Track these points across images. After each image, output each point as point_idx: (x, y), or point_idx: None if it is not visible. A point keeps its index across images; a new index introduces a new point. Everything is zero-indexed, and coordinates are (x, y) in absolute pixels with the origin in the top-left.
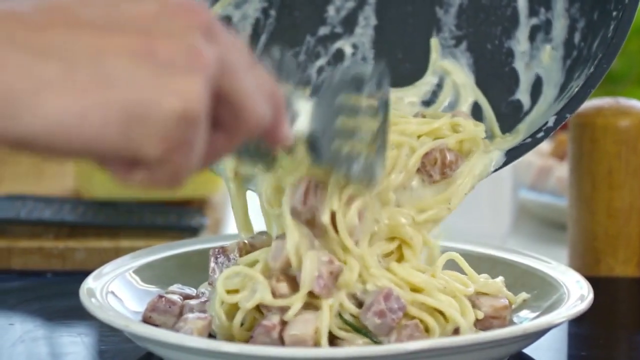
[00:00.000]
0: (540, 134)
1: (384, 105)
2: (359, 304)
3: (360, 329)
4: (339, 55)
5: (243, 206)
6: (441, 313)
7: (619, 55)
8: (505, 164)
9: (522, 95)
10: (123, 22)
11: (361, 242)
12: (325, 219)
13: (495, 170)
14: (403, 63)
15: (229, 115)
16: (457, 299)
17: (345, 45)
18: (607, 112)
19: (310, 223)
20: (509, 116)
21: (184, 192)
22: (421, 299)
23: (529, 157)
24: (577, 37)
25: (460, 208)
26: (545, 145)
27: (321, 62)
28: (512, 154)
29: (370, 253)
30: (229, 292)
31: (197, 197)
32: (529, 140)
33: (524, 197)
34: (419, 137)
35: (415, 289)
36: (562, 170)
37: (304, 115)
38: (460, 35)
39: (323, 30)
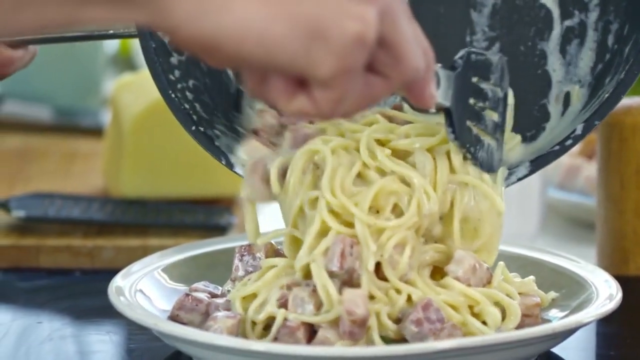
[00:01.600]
0: (569, 142)
1: (505, 98)
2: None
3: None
4: None
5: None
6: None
7: None
8: (531, 172)
9: (553, 100)
10: None
11: (409, 276)
12: (371, 268)
13: (520, 179)
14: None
15: (388, 60)
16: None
17: None
18: (636, 111)
19: (347, 283)
20: (540, 119)
21: (212, 190)
22: (470, 320)
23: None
24: (610, 40)
25: None
26: None
27: None
28: (539, 162)
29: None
30: (245, 298)
31: (225, 196)
32: (557, 147)
33: (553, 197)
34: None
35: (471, 303)
36: (590, 170)
37: (444, 85)
38: (494, 36)
39: None
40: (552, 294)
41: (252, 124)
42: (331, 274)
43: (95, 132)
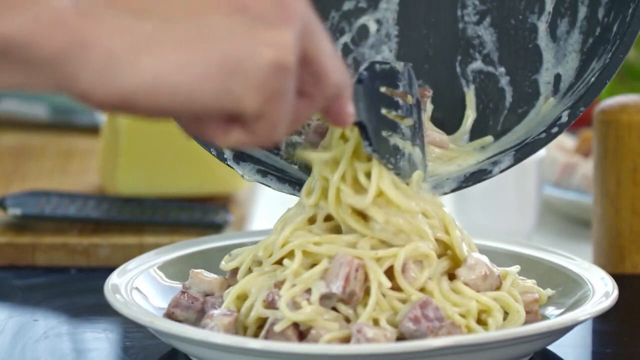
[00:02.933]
0: (555, 129)
1: (417, 105)
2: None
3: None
4: (363, 32)
5: None
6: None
7: None
8: (516, 161)
9: (543, 77)
10: None
11: (429, 286)
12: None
13: (504, 170)
14: (427, 39)
15: (311, 78)
16: (512, 313)
17: (369, 20)
18: (632, 109)
19: (344, 301)
20: (531, 95)
21: (208, 188)
22: (473, 325)
23: (554, 154)
24: (601, 13)
25: (485, 205)
26: (569, 142)
27: (345, 38)
28: (524, 151)
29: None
30: (238, 297)
31: (221, 193)
32: (543, 135)
33: (549, 194)
34: None
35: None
36: (586, 167)
37: (355, 100)
38: (484, 9)
39: (347, 5)
40: (549, 292)
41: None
42: (329, 295)
43: (92, 130)
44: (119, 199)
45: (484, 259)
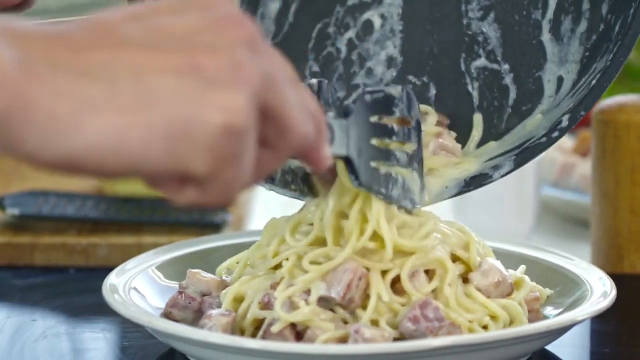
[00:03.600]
0: (555, 134)
1: (417, 128)
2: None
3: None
4: (368, 27)
5: None
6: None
7: None
8: (517, 166)
9: (547, 75)
10: (167, 38)
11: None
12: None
13: (504, 175)
14: (432, 35)
15: (274, 132)
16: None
17: (374, 16)
18: (631, 109)
19: (342, 306)
20: (535, 93)
21: None
22: (476, 329)
23: (553, 154)
24: (604, 9)
25: (484, 206)
26: (568, 142)
27: (350, 34)
28: (525, 156)
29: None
30: (235, 299)
31: None
32: (543, 140)
33: (548, 195)
34: None
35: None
36: (585, 168)
37: (339, 136)
38: (489, 5)
39: (352, 0)
40: (547, 292)
41: None
42: (328, 299)
43: None
44: (118, 199)
45: (499, 264)
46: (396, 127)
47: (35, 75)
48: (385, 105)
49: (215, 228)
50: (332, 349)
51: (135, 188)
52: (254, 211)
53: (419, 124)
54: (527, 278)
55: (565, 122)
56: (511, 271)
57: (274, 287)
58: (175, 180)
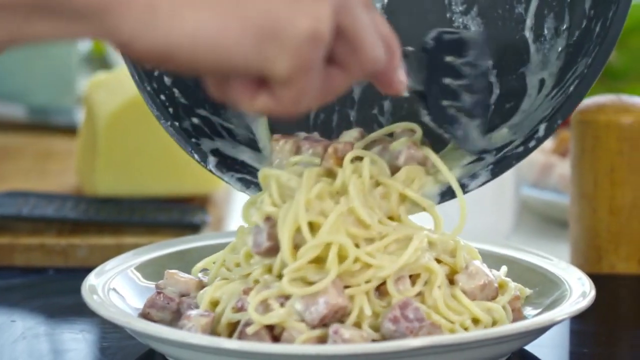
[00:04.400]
0: (532, 143)
1: (486, 74)
2: None
3: None
4: None
5: None
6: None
7: (621, 52)
8: (494, 176)
9: (530, 71)
10: None
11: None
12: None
13: (481, 185)
14: (415, 29)
15: (346, 51)
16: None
17: None
18: (610, 109)
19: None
20: (518, 90)
21: (186, 188)
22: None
23: (532, 154)
24: (587, 4)
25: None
26: (547, 143)
27: None
28: (502, 166)
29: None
30: (211, 302)
31: (199, 194)
32: (520, 149)
33: (527, 194)
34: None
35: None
36: (564, 168)
37: (415, 68)
38: None
39: None
40: (527, 291)
41: (268, 151)
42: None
43: (70, 130)
44: (97, 199)
45: (484, 267)
46: (468, 70)
47: None
48: (459, 47)
49: (194, 228)
50: (311, 349)
51: (115, 188)
52: (233, 212)
53: (487, 71)
54: (510, 281)
55: (541, 132)
56: (494, 272)
57: (246, 292)
58: (251, 84)
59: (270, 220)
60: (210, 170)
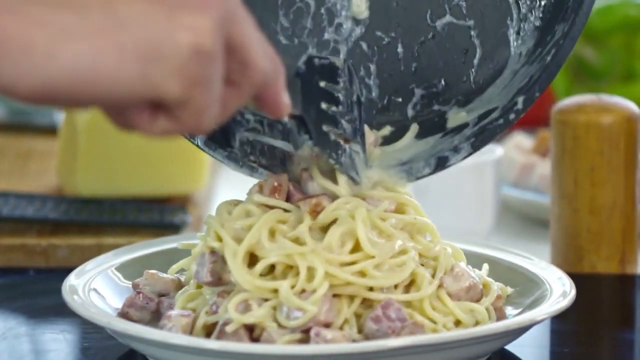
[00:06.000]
0: (512, 116)
1: (359, 101)
2: None
3: None
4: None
5: None
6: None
7: (601, 52)
8: (475, 149)
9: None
10: None
11: None
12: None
13: (463, 158)
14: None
15: (237, 66)
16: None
17: None
18: (590, 109)
19: None
20: (499, 52)
21: (166, 189)
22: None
23: (512, 154)
24: None
25: (443, 205)
26: (527, 142)
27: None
28: (482, 139)
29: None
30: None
31: (179, 194)
32: (500, 121)
33: (507, 194)
34: None
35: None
36: (544, 167)
37: (294, 94)
38: None
39: None
40: (508, 290)
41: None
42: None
43: (50, 131)
44: (78, 199)
45: (469, 270)
46: (341, 97)
47: (10, 6)
48: (330, 73)
49: (174, 229)
50: (292, 349)
51: (95, 188)
52: (213, 212)
53: (359, 99)
54: (493, 282)
55: (520, 104)
56: (476, 271)
57: (221, 295)
58: (147, 109)
59: (215, 254)
60: (199, 146)
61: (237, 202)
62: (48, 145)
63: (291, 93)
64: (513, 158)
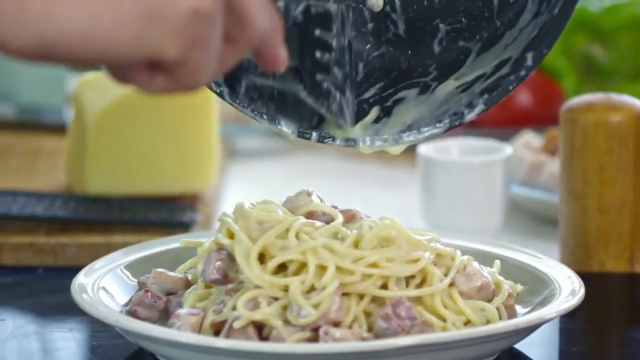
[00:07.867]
0: (522, 72)
1: (350, 47)
2: None
3: None
4: None
5: None
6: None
7: (610, 51)
8: (487, 107)
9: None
10: None
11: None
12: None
13: (477, 114)
14: None
15: (235, 24)
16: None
17: None
18: (599, 107)
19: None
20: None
21: (175, 187)
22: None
23: (521, 152)
24: None
25: (452, 203)
26: (536, 141)
27: None
28: (494, 97)
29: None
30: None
31: (188, 192)
32: (511, 77)
33: (516, 193)
34: None
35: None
36: (553, 166)
37: (291, 44)
38: None
39: None
40: (518, 287)
41: None
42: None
43: (59, 129)
44: (87, 198)
45: (482, 269)
46: (334, 43)
47: None
48: (325, 20)
49: (183, 227)
50: (302, 348)
51: (104, 187)
52: (222, 210)
53: (350, 45)
54: (504, 280)
55: (529, 61)
56: (488, 269)
57: (229, 293)
58: (145, 67)
59: (221, 252)
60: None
61: (255, 203)
62: (57, 143)
63: (288, 43)
64: (522, 156)
